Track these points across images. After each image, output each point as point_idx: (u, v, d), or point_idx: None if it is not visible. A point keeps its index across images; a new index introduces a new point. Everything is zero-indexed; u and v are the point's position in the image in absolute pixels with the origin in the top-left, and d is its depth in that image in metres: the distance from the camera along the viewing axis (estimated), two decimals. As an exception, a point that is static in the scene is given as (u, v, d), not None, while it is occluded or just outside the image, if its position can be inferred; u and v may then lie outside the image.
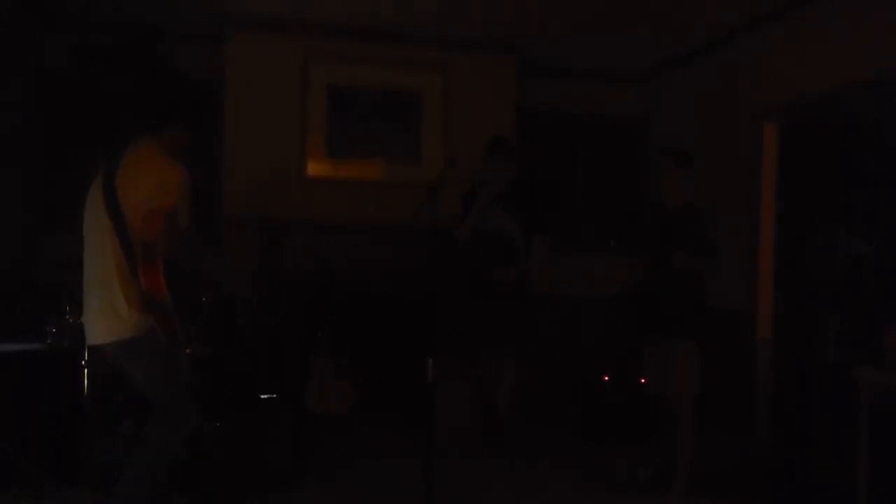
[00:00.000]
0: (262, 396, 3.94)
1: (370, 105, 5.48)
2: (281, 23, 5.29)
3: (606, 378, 4.90)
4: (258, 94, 5.29)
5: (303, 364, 4.59)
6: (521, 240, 4.43)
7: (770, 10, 4.72)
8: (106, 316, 2.72)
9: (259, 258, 4.90)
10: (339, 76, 5.43)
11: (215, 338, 4.06)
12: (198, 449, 3.49)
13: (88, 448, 3.52)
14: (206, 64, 5.17)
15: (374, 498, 3.64)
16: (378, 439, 4.60)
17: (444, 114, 5.61)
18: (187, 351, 3.77)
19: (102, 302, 2.72)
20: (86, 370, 3.59)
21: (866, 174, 4.64)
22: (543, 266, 4.58)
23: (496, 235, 4.45)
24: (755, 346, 4.87)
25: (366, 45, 5.46)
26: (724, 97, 5.35)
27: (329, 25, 5.34)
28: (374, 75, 5.50)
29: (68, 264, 2.92)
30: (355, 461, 4.18)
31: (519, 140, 5.62)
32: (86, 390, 3.58)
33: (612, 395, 4.80)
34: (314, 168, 5.36)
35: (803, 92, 4.62)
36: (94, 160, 2.90)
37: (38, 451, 3.35)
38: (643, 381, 4.06)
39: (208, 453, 3.51)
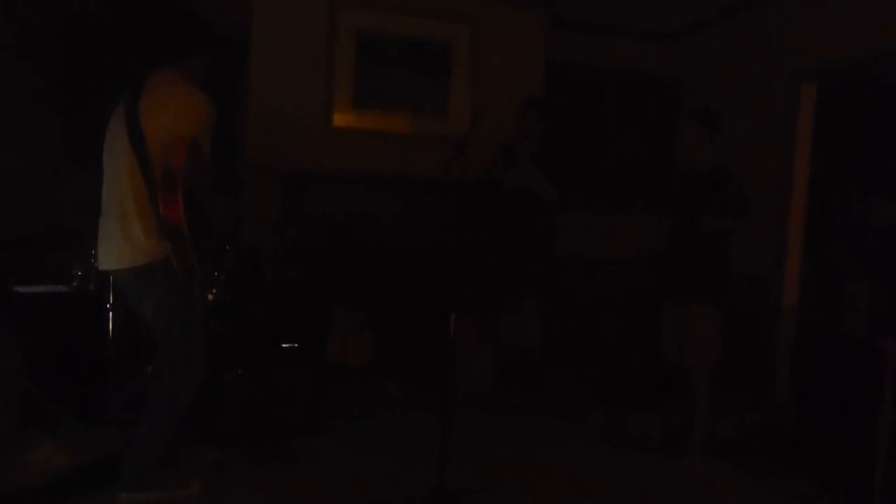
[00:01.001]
0: (284, 345, 3.96)
1: (398, 55, 5.39)
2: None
3: (624, 340, 4.90)
4: (285, 41, 5.21)
5: (324, 315, 4.62)
6: (551, 198, 4.46)
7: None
8: (121, 241, 2.70)
9: (282, 208, 4.90)
10: (368, 23, 5.32)
11: (238, 286, 4.09)
12: (219, 396, 3.55)
13: (114, 389, 3.58)
14: (233, 12, 5.10)
15: (392, 448, 3.69)
16: (397, 392, 4.64)
17: (472, 66, 5.51)
18: (209, 297, 3.82)
19: (119, 228, 2.70)
20: (111, 313, 3.65)
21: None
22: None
23: (524, 191, 4.49)
24: (779, 313, 4.82)
25: (396, -6, 5.36)
26: (759, 57, 5.19)
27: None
28: (403, 24, 5.39)
29: (94, 209, 2.91)
30: (374, 412, 4.23)
31: (547, 96, 5.54)
32: (111, 333, 3.64)
33: (630, 357, 4.80)
34: (340, 118, 5.30)
35: (842, 53, 4.47)
36: (114, 103, 2.87)
37: (64, 392, 3.42)
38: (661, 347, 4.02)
39: (229, 401, 3.56)
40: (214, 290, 3.91)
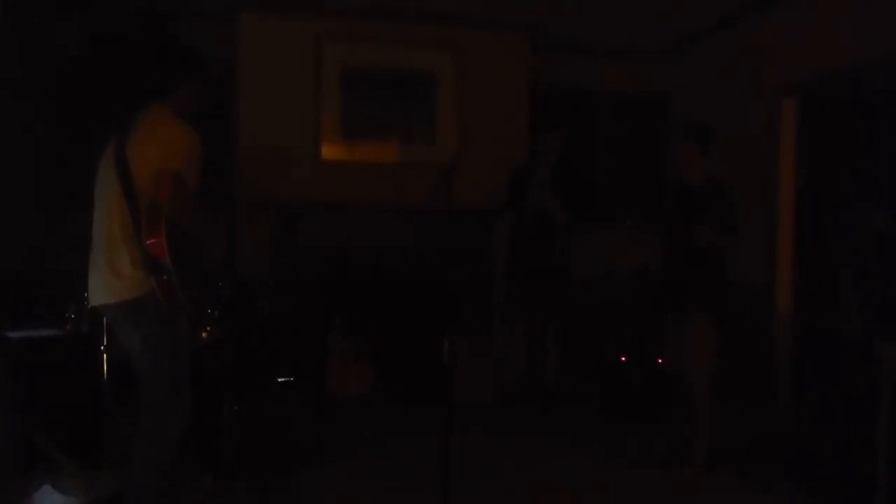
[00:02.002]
0: (280, 379, 3.95)
1: (384, 86, 5.45)
2: (293, 3, 5.25)
3: (624, 355, 4.89)
4: (271, 75, 5.28)
5: (321, 345, 4.62)
6: (563, 218, 4.50)
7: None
8: (109, 276, 2.70)
9: (275, 241, 4.91)
10: (353, 57, 5.40)
11: (233, 320, 4.08)
12: (218, 430, 3.54)
13: (109, 431, 3.56)
14: (219, 47, 5.15)
15: (394, 476, 3.66)
16: (397, 419, 4.62)
17: (458, 93, 5.57)
18: (203, 334, 3.81)
19: (106, 262, 2.70)
20: (105, 355, 3.63)
21: (886, 149, 4.55)
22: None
23: (540, 215, 4.52)
24: (774, 321, 4.83)
25: (379, 25, 5.42)
26: (742, 72, 5.26)
27: (341, 5, 5.30)
28: (388, 55, 5.46)
29: (85, 250, 2.92)
30: (374, 441, 4.21)
31: (534, 118, 5.59)
32: (105, 374, 3.62)
33: (630, 371, 4.79)
34: (328, 150, 5.35)
35: (822, 67, 4.54)
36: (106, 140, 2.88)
37: (59, 435, 3.40)
38: (660, 358, 4.05)
39: (229, 434, 3.53)
40: (209, 328, 3.90)
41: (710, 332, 3.66)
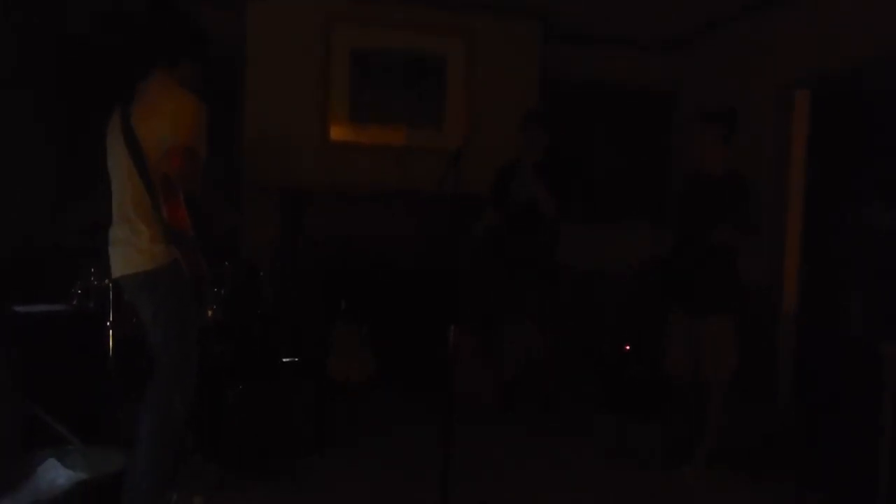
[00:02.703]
0: (284, 360, 3.95)
1: (393, 70, 5.43)
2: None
3: (626, 348, 4.89)
4: (280, 58, 5.25)
5: (324, 332, 4.62)
6: (553, 211, 4.44)
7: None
8: (127, 248, 2.72)
9: (280, 225, 4.91)
10: (362, 40, 5.37)
11: (237, 304, 4.08)
12: (221, 415, 3.54)
13: (113, 409, 3.57)
14: (227, 27, 5.13)
15: (394, 465, 3.67)
16: (398, 408, 4.63)
17: (467, 79, 5.54)
18: (209, 312, 3.81)
19: (126, 234, 2.73)
20: (111, 332, 3.64)
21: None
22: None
23: (528, 206, 4.47)
24: (779, 320, 4.82)
25: (389, 8, 5.39)
26: (754, 65, 5.22)
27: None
28: (398, 39, 5.43)
29: (93, 230, 2.93)
30: (375, 429, 4.22)
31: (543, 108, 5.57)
32: (111, 352, 3.63)
33: (631, 367, 4.79)
34: (337, 132, 5.33)
35: (835, 60, 4.50)
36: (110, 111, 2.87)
37: (65, 411, 3.41)
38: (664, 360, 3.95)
39: (231, 419, 3.54)
40: (214, 306, 3.90)
41: (731, 333, 3.58)
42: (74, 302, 3.79)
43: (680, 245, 3.75)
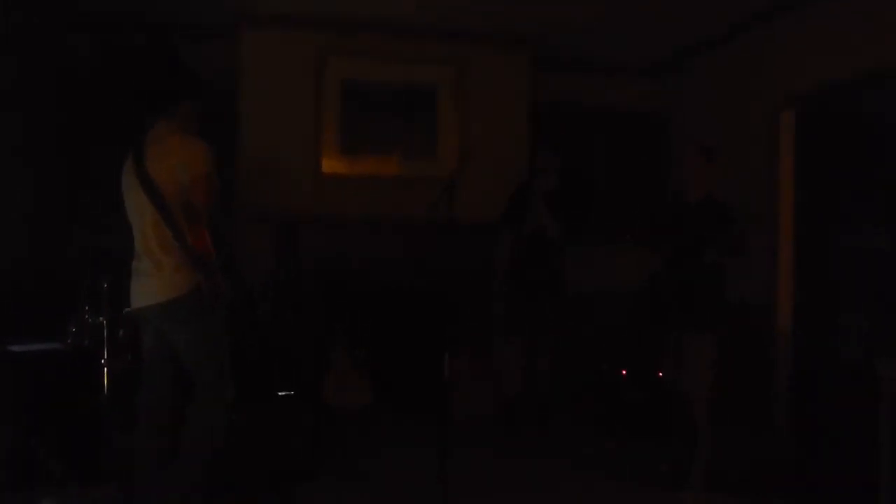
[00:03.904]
0: (280, 393, 3.95)
1: (385, 100, 5.47)
2: (295, 18, 5.27)
3: (624, 373, 4.89)
4: (272, 88, 5.30)
5: (321, 358, 4.62)
6: (561, 237, 4.52)
7: (789, -1, 4.66)
8: (151, 279, 2.91)
9: (275, 255, 4.92)
10: (354, 71, 5.42)
11: (233, 330, 4.08)
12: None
13: (109, 445, 3.56)
14: (220, 59, 5.18)
15: (391, 493, 3.65)
16: (395, 433, 4.62)
17: (458, 108, 5.59)
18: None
19: (148, 268, 2.92)
20: (105, 368, 3.64)
21: (887, 166, 4.57)
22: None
23: (537, 233, 4.54)
24: (773, 340, 4.82)
25: (380, 40, 5.44)
26: (741, 87, 5.28)
27: (343, 20, 5.31)
28: (389, 70, 5.49)
29: (89, 263, 3.00)
30: (372, 454, 4.20)
31: (534, 135, 5.61)
32: (106, 388, 3.63)
33: (629, 389, 4.79)
34: (329, 164, 5.37)
35: (822, 81, 4.55)
36: (114, 158, 3.08)
37: (59, 448, 3.40)
38: (661, 374, 4.05)
39: (227, 446, 3.52)
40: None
41: (711, 350, 3.66)
42: (69, 340, 3.79)
43: (668, 266, 3.85)
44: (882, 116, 4.36)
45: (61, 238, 4.84)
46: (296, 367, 4.54)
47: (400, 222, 5.27)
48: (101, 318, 3.69)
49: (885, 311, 4.21)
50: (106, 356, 3.63)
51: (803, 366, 4.73)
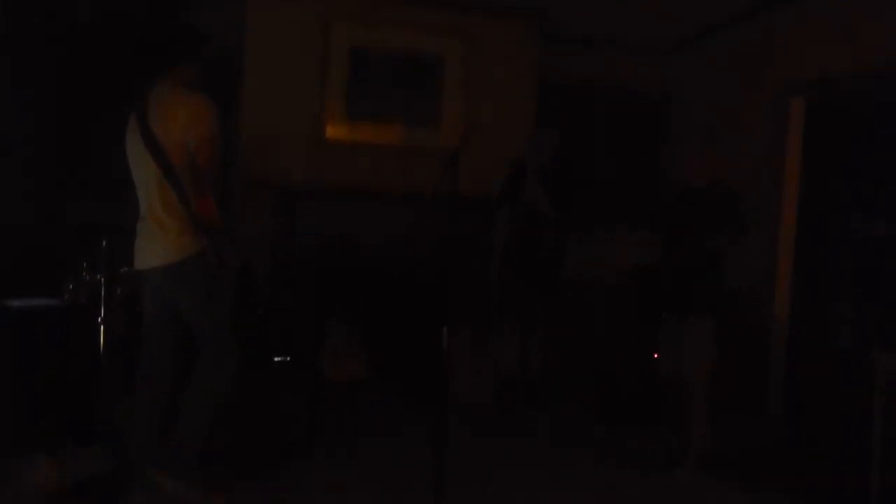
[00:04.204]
0: (276, 359, 3.94)
1: (391, 68, 5.41)
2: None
3: (618, 357, 4.90)
4: (278, 56, 5.23)
5: (317, 331, 4.61)
6: (552, 214, 4.48)
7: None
8: (155, 242, 2.90)
9: (274, 223, 4.89)
10: (360, 38, 5.35)
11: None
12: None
13: (104, 408, 3.55)
14: (226, 27, 5.09)
15: (387, 468, 3.66)
16: (391, 410, 4.61)
17: (464, 80, 5.53)
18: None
19: (153, 230, 2.91)
20: (102, 327, 3.62)
21: (891, 157, 4.56)
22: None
23: (531, 212, 4.50)
24: (770, 327, 4.84)
25: (388, 7, 5.37)
26: (750, 71, 5.24)
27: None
28: (395, 38, 5.42)
29: (89, 227, 2.98)
30: (368, 430, 4.19)
31: (539, 111, 5.58)
32: (102, 348, 3.61)
33: (624, 374, 4.79)
34: (332, 130, 5.32)
35: (834, 69, 4.51)
36: (116, 120, 3.02)
37: (55, 408, 3.39)
38: (656, 356, 4.05)
39: (222, 417, 3.52)
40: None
41: (709, 335, 3.68)
42: (66, 297, 3.76)
43: (668, 251, 3.85)
44: (893, 107, 4.34)
45: (61, 198, 4.79)
46: (291, 336, 4.53)
47: (401, 194, 5.23)
48: (98, 277, 3.65)
49: (882, 301, 4.23)
50: (103, 314, 3.60)
51: (798, 353, 4.75)
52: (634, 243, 5.64)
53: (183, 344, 3.07)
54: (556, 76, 5.91)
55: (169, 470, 2.92)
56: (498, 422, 4.52)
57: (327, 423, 4.15)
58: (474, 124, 5.37)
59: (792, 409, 4.71)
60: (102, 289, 3.62)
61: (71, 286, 3.77)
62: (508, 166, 4.76)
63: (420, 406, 4.42)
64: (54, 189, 4.72)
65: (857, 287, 4.53)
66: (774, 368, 4.80)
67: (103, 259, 3.67)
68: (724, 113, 5.38)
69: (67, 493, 2.92)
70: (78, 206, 4.45)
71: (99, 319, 3.61)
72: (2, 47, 4.38)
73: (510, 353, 4.73)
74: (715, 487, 3.64)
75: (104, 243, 3.65)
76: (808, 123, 4.84)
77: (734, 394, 4.66)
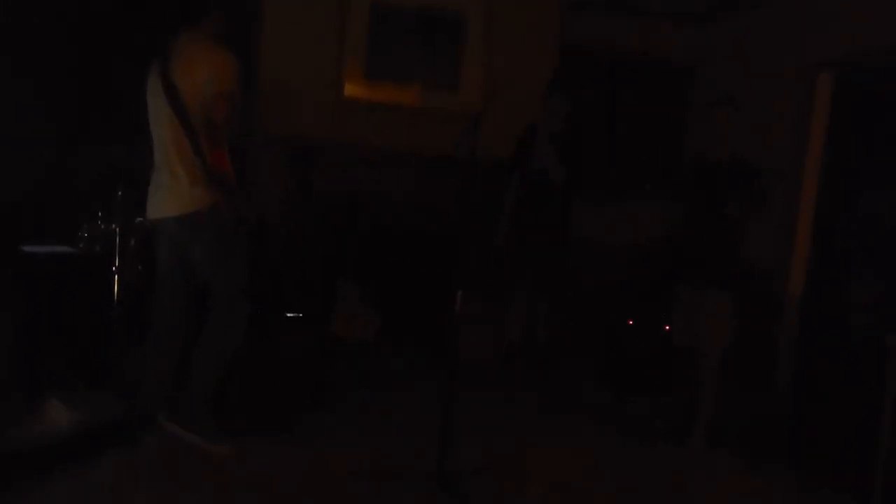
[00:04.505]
0: (288, 315, 3.96)
1: (411, 27, 5.32)
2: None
3: (630, 326, 4.88)
4: (297, 10, 5.15)
5: (329, 288, 4.61)
6: (562, 180, 4.43)
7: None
8: (168, 192, 2.92)
9: (290, 179, 4.87)
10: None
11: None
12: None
13: (118, 353, 3.58)
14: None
15: (395, 424, 3.69)
16: (401, 367, 4.63)
17: (485, 42, 5.44)
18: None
19: (166, 180, 2.92)
20: (116, 277, 3.64)
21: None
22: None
23: (541, 176, 4.46)
24: (784, 303, 4.81)
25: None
26: (778, 44, 5.12)
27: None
28: (418, -4, 5.32)
29: (105, 176, 2.98)
30: (377, 387, 4.22)
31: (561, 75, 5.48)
32: (116, 297, 3.63)
33: (634, 343, 4.79)
34: (351, 88, 5.25)
35: (861, 44, 4.41)
36: (135, 70, 3.05)
37: (68, 354, 3.42)
38: (667, 328, 4.04)
39: (235, 370, 3.55)
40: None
41: (727, 307, 3.66)
42: (81, 245, 3.78)
43: (688, 220, 3.81)
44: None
45: (77, 146, 4.77)
46: (304, 292, 4.54)
47: (419, 154, 5.19)
48: (113, 226, 3.66)
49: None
50: (117, 263, 3.61)
51: (811, 332, 4.73)
52: (652, 212, 5.61)
53: (195, 297, 3.08)
54: (578, 40, 5.80)
55: (180, 419, 2.96)
56: (504, 385, 4.53)
57: (339, 378, 4.17)
58: (494, 88, 5.30)
59: (801, 387, 4.70)
60: (117, 238, 3.63)
61: (86, 234, 3.78)
62: (523, 131, 4.71)
63: (429, 364, 4.44)
64: (75, 134, 4.70)
65: (874, 268, 4.48)
66: (785, 345, 4.78)
67: (119, 209, 3.68)
68: (749, 85, 5.28)
69: (79, 434, 2.96)
70: (95, 150, 4.43)
71: (113, 269, 3.63)
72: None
73: (519, 318, 4.72)
74: (720, 459, 3.67)
75: (119, 193, 3.65)
76: (835, 100, 4.74)
77: (743, 368, 4.65)
